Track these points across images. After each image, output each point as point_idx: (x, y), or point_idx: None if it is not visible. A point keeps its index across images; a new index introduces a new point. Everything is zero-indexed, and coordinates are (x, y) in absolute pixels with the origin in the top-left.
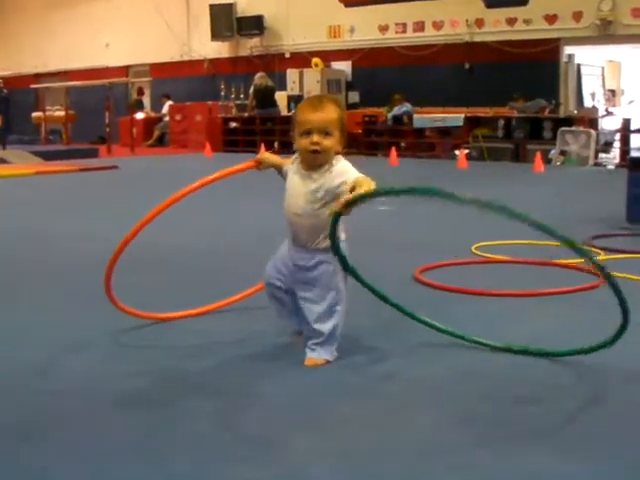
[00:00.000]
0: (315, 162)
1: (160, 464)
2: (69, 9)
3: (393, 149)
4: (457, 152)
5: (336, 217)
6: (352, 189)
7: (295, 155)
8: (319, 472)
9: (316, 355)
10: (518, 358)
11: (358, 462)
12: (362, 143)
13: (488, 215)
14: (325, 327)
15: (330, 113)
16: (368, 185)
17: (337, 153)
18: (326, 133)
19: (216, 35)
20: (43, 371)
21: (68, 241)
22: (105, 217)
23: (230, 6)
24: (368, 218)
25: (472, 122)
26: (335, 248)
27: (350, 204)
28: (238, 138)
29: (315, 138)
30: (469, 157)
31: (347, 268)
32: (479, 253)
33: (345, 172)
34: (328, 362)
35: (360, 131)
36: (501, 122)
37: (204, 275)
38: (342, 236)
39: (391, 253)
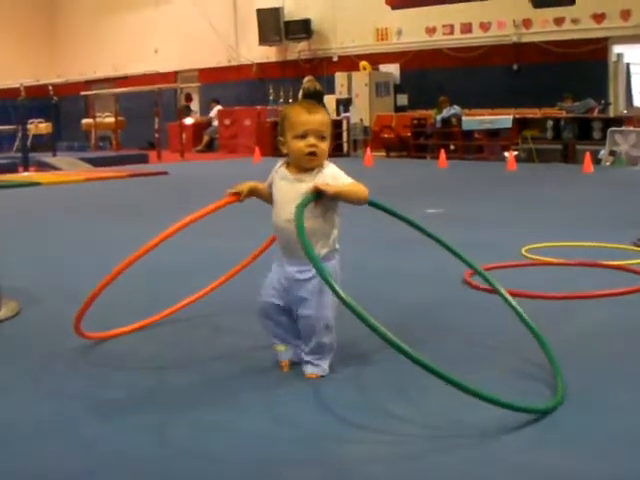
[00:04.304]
0: (310, 165)
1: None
2: (118, 16)
3: (442, 152)
4: (506, 154)
5: (309, 199)
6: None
7: (279, 164)
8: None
9: (317, 370)
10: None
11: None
12: (411, 146)
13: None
14: (326, 340)
15: (325, 117)
16: (360, 189)
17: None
18: (322, 137)
19: (264, 39)
20: None
21: (104, 249)
22: (149, 223)
23: (277, 10)
24: (416, 220)
25: (521, 123)
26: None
27: (320, 194)
28: None
29: (312, 140)
30: (518, 159)
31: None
32: (529, 255)
33: (338, 177)
34: (323, 377)
35: (409, 134)
36: (550, 123)
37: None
38: (335, 245)
39: (440, 256)
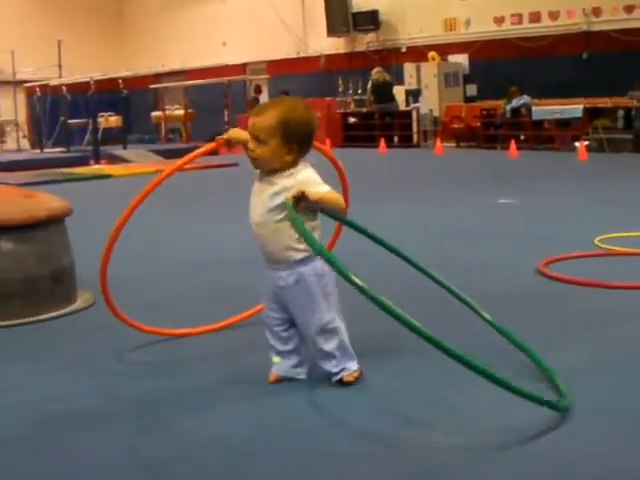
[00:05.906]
0: (257, 168)
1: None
2: (186, 9)
3: (512, 142)
4: (577, 144)
5: (290, 206)
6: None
7: None
8: None
9: (346, 373)
10: None
11: None
12: (481, 136)
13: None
14: (329, 346)
15: (267, 119)
16: (339, 199)
17: (291, 161)
18: (259, 141)
19: (332, 31)
20: None
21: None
22: (220, 214)
23: (345, 1)
24: (489, 212)
25: (591, 113)
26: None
27: (301, 200)
28: (358, 133)
29: (250, 145)
30: (589, 149)
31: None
32: (603, 245)
33: (313, 183)
34: (361, 373)
35: (479, 124)
36: (621, 112)
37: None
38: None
39: (514, 246)
